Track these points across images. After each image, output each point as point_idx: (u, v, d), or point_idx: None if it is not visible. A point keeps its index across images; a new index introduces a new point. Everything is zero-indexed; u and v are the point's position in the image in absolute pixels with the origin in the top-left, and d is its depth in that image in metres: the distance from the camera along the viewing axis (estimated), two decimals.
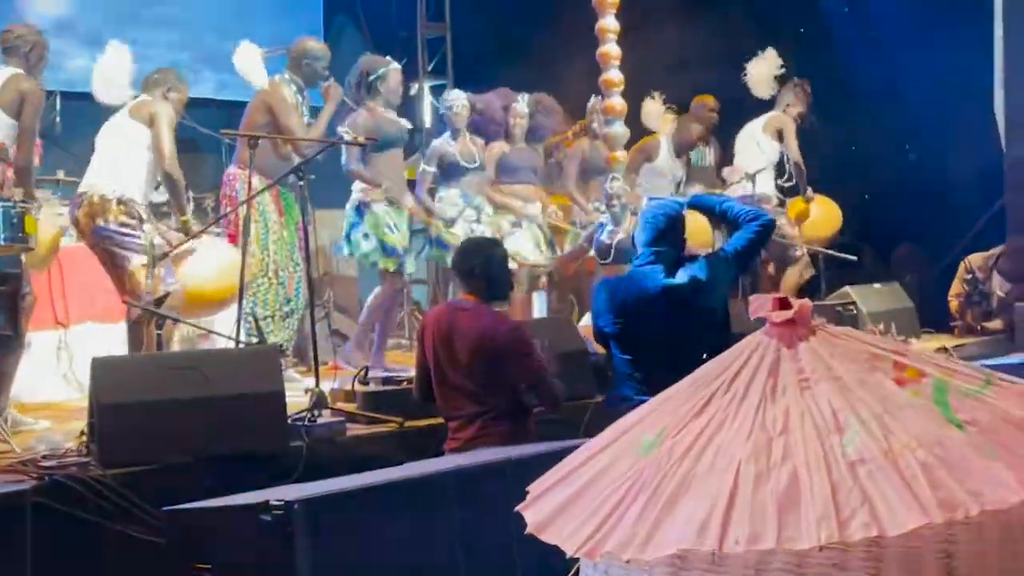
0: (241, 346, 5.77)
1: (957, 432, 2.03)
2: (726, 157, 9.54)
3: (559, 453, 2.56)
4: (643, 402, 4.47)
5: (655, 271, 4.99)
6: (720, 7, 10.64)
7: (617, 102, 7.89)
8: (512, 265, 7.09)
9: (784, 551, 1.94)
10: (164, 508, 4.00)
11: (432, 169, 7.87)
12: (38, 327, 6.28)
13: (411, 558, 3.69)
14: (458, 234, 7.61)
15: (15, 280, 5.66)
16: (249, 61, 7.26)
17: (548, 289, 8.81)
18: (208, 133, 7.68)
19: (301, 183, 6.37)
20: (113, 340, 6.61)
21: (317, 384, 5.55)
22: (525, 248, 7.98)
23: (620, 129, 7.98)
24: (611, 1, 7.85)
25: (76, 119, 7.44)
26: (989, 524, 1.99)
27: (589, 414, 5.87)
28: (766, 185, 8.93)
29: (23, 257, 5.72)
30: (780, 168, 9.09)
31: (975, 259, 9.43)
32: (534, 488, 2.36)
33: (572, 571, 2.39)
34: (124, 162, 6.26)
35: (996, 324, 9.11)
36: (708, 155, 9.65)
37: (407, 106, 8.81)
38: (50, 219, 6.47)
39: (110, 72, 6.43)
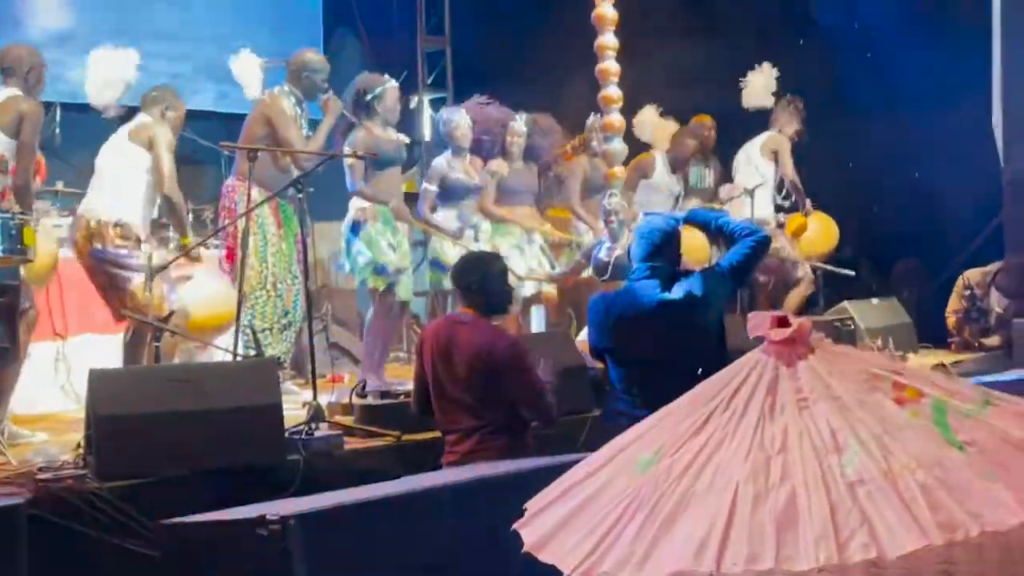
0: (239, 359, 5.76)
1: (957, 453, 2.03)
2: (726, 178, 9.53)
3: (557, 468, 2.56)
4: (639, 416, 4.46)
5: (651, 286, 4.98)
6: (718, 24, 10.66)
7: (616, 119, 7.89)
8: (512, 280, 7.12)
9: (783, 571, 1.93)
10: (161, 521, 3.98)
11: (434, 188, 7.83)
12: (36, 338, 6.27)
13: (408, 573, 3.68)
14: (455, 253, 7.59)
15: (13, 292, 5.66)
16: (247, 70, 7.26)
17: (546, 303, 8.79)
18: (207, 145, 7.68)
19: (300, 196, 6.37)
20: (111, 352, 6.61)
21: (315, 397, 5.54)
22: (522, 266, 7.96)
23: (619, 146, 7.98)
24: (610, 18, 7.86)
25: (75, 130, 7.45)
26: (989, 546, 1.99)
27: (587, 428, 5.86)
28: (764, 207, 8.92)
29: (23, 272, 5.71)
30: (779, 187, 9.10)
31: (973, 275, 9.43)
32: (531, 505, 2.35)
33: None
34: (123, 184, 6.27)
35: (994, 340, 9.11)
36: (708, 176, 9.61)
37: (406, 120, 8.80)
38: (49, 233, 6.47)
39: (104, 72, 6.45)
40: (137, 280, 6.12)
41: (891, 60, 10.35)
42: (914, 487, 1.96)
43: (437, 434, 5.17)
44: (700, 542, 1.97)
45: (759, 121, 9.44)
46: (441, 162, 7.92)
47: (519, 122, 8.38)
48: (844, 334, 8.26)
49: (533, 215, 8.46)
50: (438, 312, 8.62)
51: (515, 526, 2.32)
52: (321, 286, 9.39)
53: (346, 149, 7.07)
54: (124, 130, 6.45)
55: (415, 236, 7.82)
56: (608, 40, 7.87)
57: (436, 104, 11.58)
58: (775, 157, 9.11)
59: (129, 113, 6.65)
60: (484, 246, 7.82)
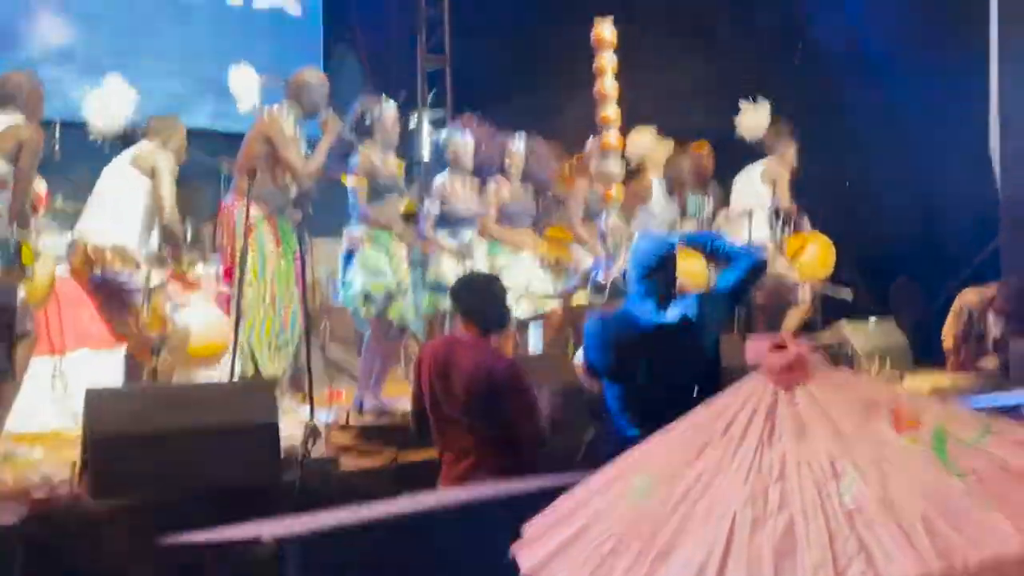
0: (236, 378, 5.76)
1: (955, 481, 2.03)
2: (724, 204, 9.51)
3: (554, 489, 2.55)
4: (635, 438, 4.47)
5: (646, 308, 4.97)
6: (717, 45, 10.69)
7: (613, 139, 7.91)
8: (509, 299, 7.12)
9: None
10: (157, 541, 3.97)
11: (436, 211, 7.83)
12: (33, 353, 6.26)
13: None
14: (454, 275, 7.59)
15: (10, 312, 5.65)
16: (243, 84, 7.26)
17: (546, 322, 8.78)
18: (206, 161, 7.68)
19: (300, 215, 6.37)
20: (108, 367, 6.61)
21: (312, 416, 5.53)
22: (521, 285, 7.95)
23: (615, 166, 7.99)
24: (609, 39, 7.89)
25: (75, 148, 7.44)
26: (987, 574, 1.98)
27: (583, 449, 5.85)
28: (761, 229, 8.92)
29: (23, 293, 5.71)
30: (776, 212, 9.10)
31: (971, 296, 9.43)
32: (529, 528, 2.35)
33: None
34: (122, 209, 6.29)
35: (991, 362, 9.10)
36: (706, 205, 9.59)
37: (406, 140, 8.80)
38: (47, 254, 6.46)
39: (106, 104, 6.46)
40: (136, 302, 6.13)
41: (889, 83, 10.36)
42: (912, 515, 1.96)
43: (434, 454, 5.16)
44: (699, 567, 1.97)
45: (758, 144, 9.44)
46: (443, 184, 7.90)
47: (518, 142, 8.39)
48: (841, 354, 8.27)
49: (531, 236, 8.46)
50: (436, 332, 8.62)
51: (512, 549, 2.31)
52: (319, 304, 9.38)
53: (349, 178, 7.07)
54: (127, 155, 6.47)
55: (413, 257, 7.79)
56: (607, 60, 7.90)
57: (436, 124, 11.58)
58: (774, 184, 9.11)
59: (129, 133, 6.65)
60: (484, 266, 7.83)
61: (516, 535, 2.37)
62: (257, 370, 6.73)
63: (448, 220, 7.84)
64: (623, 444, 4.83)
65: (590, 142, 8.67)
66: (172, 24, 10.96)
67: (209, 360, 6.73)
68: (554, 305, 8.32)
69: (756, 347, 2.26)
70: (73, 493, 4.64)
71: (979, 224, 9.97)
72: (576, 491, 2.36)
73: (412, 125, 11.67)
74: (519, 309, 7.78)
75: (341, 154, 7.31)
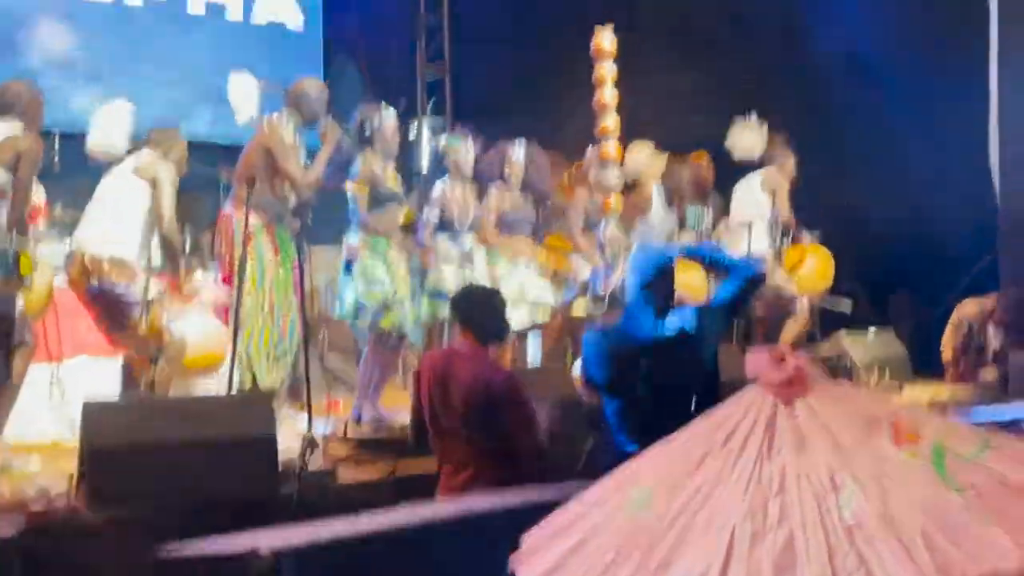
0: (234, 389, 5.75)
1: (955, 496, 2.03)
2: (724, 214, 9.50)
3: (552, 501, 2.55)
4: (633, 450, 4.46)
5: (644, 320, 4.97)
6: (715, 54, 10.69)
7: (612, 148, 7.91)
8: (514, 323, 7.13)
9: None
10: (154, 553, 3.97)
11: (435, 219, 7.83)
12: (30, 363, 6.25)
13: None
14: (454, 282, 7.58)
15: (8, 321, 5.65)
16: (243, 92, 7.26)
17: (544, 332, 8.78)
18: (205, 171, 7.68)
19: (299, 224, 6.37)
20: (106, 374, 6.60)
21: (310, 428, 5.52)
22: (519, 294, 7.94)
23: (614, 175, 7.99)
24: (609, 49, 7.90)
25: (75, 157, 7.44)
26: None
27: (582, 462, 5.84)
28: (761, 240, 8.91)
29: (22, 304, 5.71)
30: (775, 223, 9.09)
31: (970, 308, 9.42)
32: (528, 540, 2.35)
33: None
34: (121, 218, 6.28)
35: (990, 374, 9.09)
36: (706, 216, 9.57)
37: (405, 150, 8.80)
38: (45, 263, 6.46)
39: (107, 129, 6.48)
40: (134, 313, 6.13)
41: (888, 93, 10.36)
42: (912, 530, 1.95)
43: (432, 465, 5.16)
44: None
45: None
46: (443, 191, 7.89)
47: (518, 152, 8.37)
48: (840, 366, 8.26)
49: (529, 244, 8.44)
50: (435, 342, 8.61)
51: (511, 562, 2.31)
52: (317, 313, 9.37)
53: (349, 184, 7.06)
54: (128, 165, 6.46)
55: (412, 265, 7.78)
56: (606, 70, 7.91)
57: (436, 133, 11.58)
58: (774, 194, 9.10)
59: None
60: (483, 274, 7.82)
61: (515, 547, 2.37)
62: (255, 380, 6.72)
63: (447, 227, 7.83)
64: (622, 456, 4.82)
65: (589, 151, 8.68)
66: (172, 36, 10.96)
67: (206, 371, 6.72)
68: (551, 315, 8.31)
69: (756, 360, 2.26)
70: (70, 505, 4.63)
71: (978, 234, 9.96)
72: (575, 503, 2.35)
73: (412, 134, 11.66)
74: (517, 318, 7.75)
75: (341, 164, 7.31)
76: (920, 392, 8.39)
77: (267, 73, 9.93)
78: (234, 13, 11.48)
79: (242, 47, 11.26)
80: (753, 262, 5.67)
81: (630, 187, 8.96)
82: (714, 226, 9.40)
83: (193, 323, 6.50)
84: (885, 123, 10.26)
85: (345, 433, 5.82)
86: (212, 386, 6.73)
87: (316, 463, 5.31)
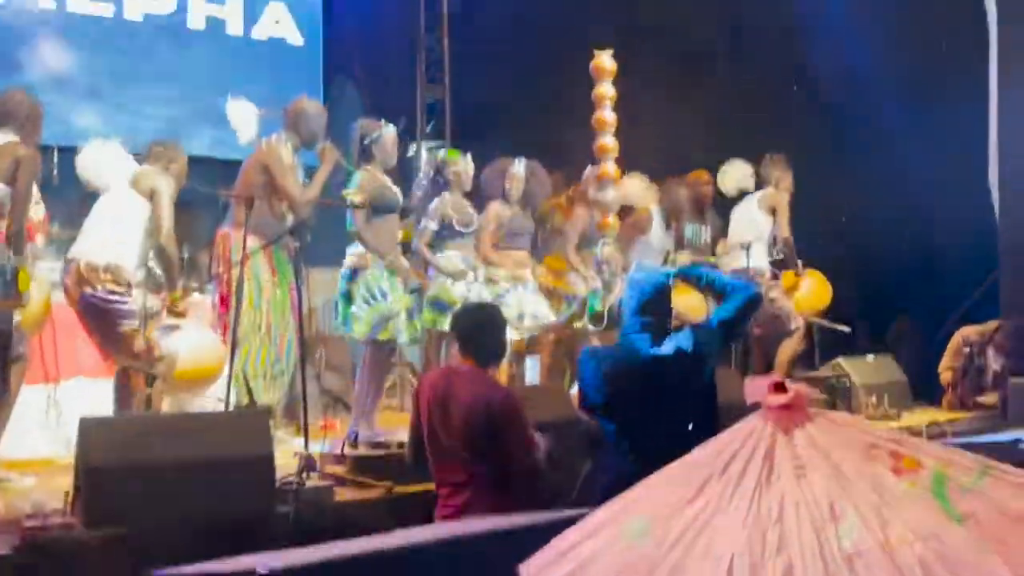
0: (231, 408, 5.74)
1: (955, 526, 2.01)
2: (723, 233, 9.50)
3: (551, 525, 2.53)
4: (630, 471, 4.44)
5: (641, 341, 4.96)
6: (715, 75, 10.72)
7: (611, 168, 7.92)
8: (514, 335, 7.12)
9: None
10: (149, 572, 3.94)
11: (434, 227, 7.82)
12: (27, 382, 6.24)
13: None
14: (456, 295, 7.57)
15: (5, 337, 5.64)
16: (242, 116, 7.27)
17: (540, 350, 8.77)
18: (204, 190, 7.67)
19: (297, 244, 6.36)
20: (103, 395, 6.58)
21: (306, 447, 5.51)
22: (516, 311, 7.93)
23: (612, 194, 8.00)
24: (608, 69, 7.92)
25: (73, 173, 7.44)
26: None
27: (579, 483, 5.82)
28: (760, 258, 8.92)
29: (18, 317, 5.70)
30: (773, 241, 9.10)
31: (970, 333, 9.43)
32: (526, 568, 2.33)
33: None
34: (119, 229, 6.27)
35: (990, 398, 9.10)
36: (703, 232, 9.58)
37: (404, 169, 8.81)
38: (43, 278, 6.46)
39: (98, 165, 6.50)
40: (127, 325, 6.11)
41: (888, 116, 10.38)
42: (911, 560, 1.94)
43: (429, 486, 5.14)
44: None
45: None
46: (442, 201, 7.88)
47: (518, 167, 8.38)
48: (839, 391, 8.25)
49: (528, 260, 8.43)
50: (432, 359, 8.60)
51: None
52: (314, 333, 9.37)
53: (350, 189, 7.06)
54: (127, 179, 6.46)
55: (411, 284, 7.77)
56: (605, 90, 7.93)
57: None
58: (773, 212, 9.11)
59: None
60: (484, 287, 7.82)
61: (513, 572, 2.35)
62: (252, 399, 6.70)
63: (448, 236, 7.82)
64: (620, 478, 4.82)
65: (588, 171, 8.69)
66: (172, 51, 10.99)
67: (202, 384, 6.69)
68: (548, 331, 8.30)
69: (755, 387, 2.25)
70: (65, 522, 4.60)
71: (977, 258, 9.97)
72: (573, 530, 2.34)
73: (410, 154, 11.68)
74: (514, 332, 7.74)
75: (339, 183, 7.32)
76: (919, 418, 8.39)
77: (267, 89, 10.00)
78: (234, 27, 11.50)
79: (242, 62, 11.30)
80: (750, 283, 5.66)
81: (628, 208, 8.98)
82: (713, 244, 9.41)
83: (185, 338, 6.48)
84: (885, 148, 10.28)
85: (342, 452, 5.80)
86: (208, 403, 6.72)
87: (313, 482, 5.28)
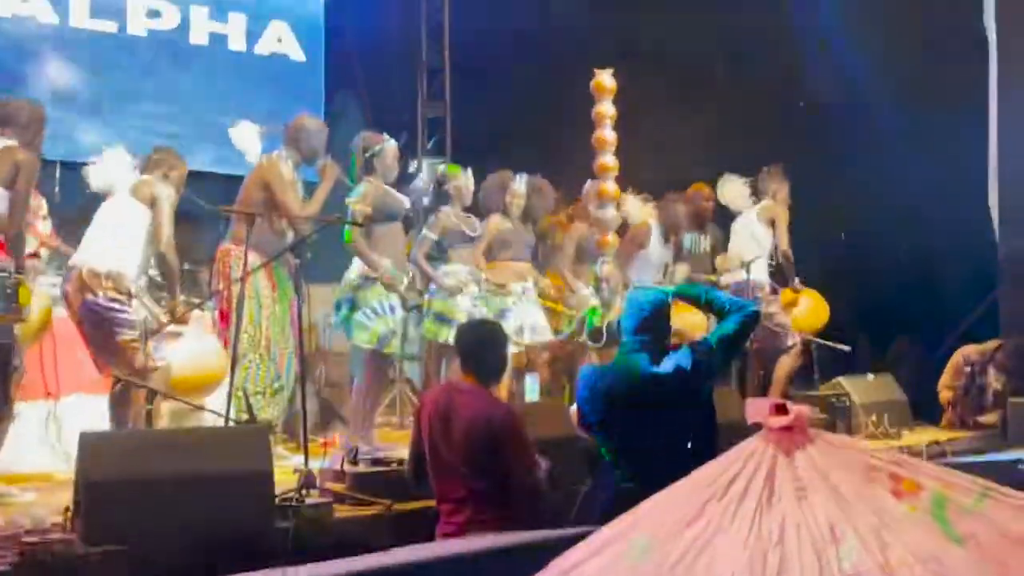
0: (230, 423, 5.74)
1: (955, 548, 2.02)
2: (723, 245, 9.50)
3: (553, 543, 2.54)
4: (628, 489, 4.44)
5: (640, 359, 4.97)
6: (714, 95, 10.74)
7: (610, 186, 7.94)
8: (513, 349, 7.12)
9: None
10: None
11: (434, 237, 7.82)
12: (27, 397, 6.25)
13: None
14: (459, 309, 7.57)
15: (5, 351, 5.64)
16: (246, 137, 7.29)
17: (539, 367, 8.77)
18: (207, 207, 7.68)
19: (297, 261, 6.37)
20: (103, 411, 6.57)
21: (306, 463, 5.51)
22: (517, 324, 7.93)
23: (612, 213, 8.02)
24: (609, 88, 7.94)
25: (75, 189, 7.46)
26: None
27: (579, 501, 5.82)
28: (760, 272, 8.93)
29: (17, 330, 5.70)
30: (772, 255, 9.11)
31: (971, 352, 9.43)
32: None
33: None
34: (120, 237, 6.27)
35: (990, 418, 9.10)
36: (703, 242, 9.60)
37: (404, 184, 8.82)
38: (43, 290, 6.47)
39: (107, 172, 6.51)
40: (125, 335, 6.11)
41: (888, 135, 10.40)
42: None
43: (429, 503, 5.14)
44: None
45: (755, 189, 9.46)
46: (445, 212, 7.88)
47: (519, 182, 8.39)
48: (839, 410, 8.25)
49: (530, 271, 8.42)
50: (432, 375, 8.60)
51: None
52: (314, 349, 9.37)
53: (353, 198, 7.08)
54: (127, 188, 6.46)
55: (410, 302, 7.77)
56: (606, 109, 7.96)
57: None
58: (773, 224, 9.12)
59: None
60: (487, 299, 7.83)
61: None
62: (252, 415, 6.70)
63: (448, 248, 7.82)
64: (618, 496, 4.84)
65: (588, 185, 8.70)
66: (174, 67, 11.01)
67: (204, 390, 6.67)
68: (547, 343, 8.30)
69: (757, 408, 2.25)
70: (65, 538, 4.60)
71: (977, 277, 9.99)
72: (577, 548, 2.34)
73: (411, 170, 11.70)
74: (513, 346, 7.73)
75: (339, 199, 7.33)
76: (919, 437, 8.38)
77: (268, 105, 10.03)
78: (237, 44, 11.53)
79: (244, 78, 11.32)
80: (749, 301, 5.67)
81: (626, 223, 9.00)
82: (712, 254, 9.42)
83: (187, 344, 6.47)
84: (884, 166, 10.30)
85: (342, 469, 5.79)
86: (209, 420, 6.71)
87: (313, 499, 5.28)
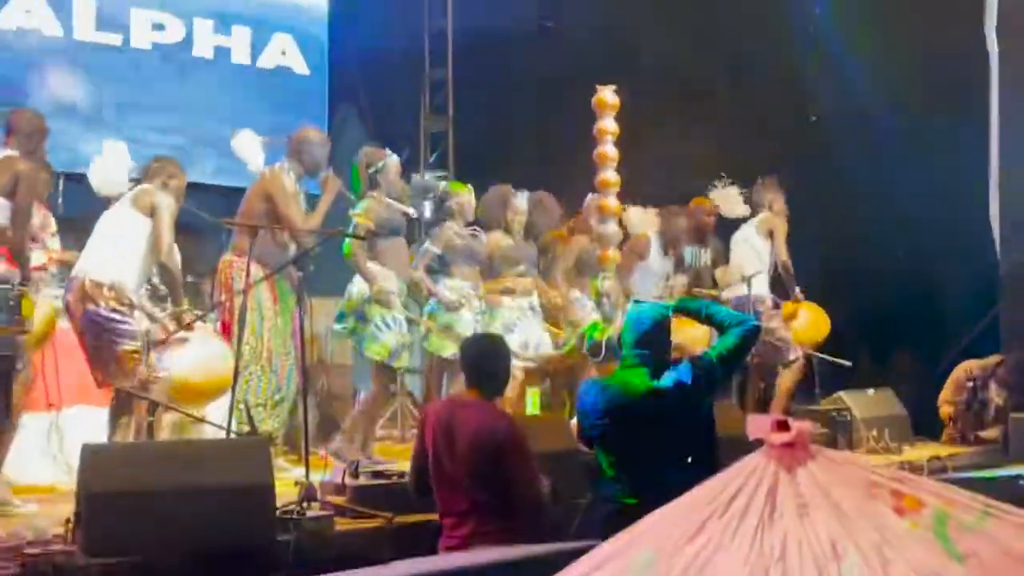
0: (232, 436, 5.74)
1: (956, 565, 2.02)
2: (724, 258, 9.51)
3: (555, 556, 2.54)
4: (628, 504, 4.44)
5: (640, 374, 4.98)
6: (716, 110, 10.76)
7: (612, 202, 7.96)
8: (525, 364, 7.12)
9: None
10: None
11: (436, 250, 7.83)
12: (30, 408, 6.24)
13: None
14: (464, 324, 7.58)
15: (7, 361, 5.64)
16: (248, 147, 7.31)
17: (542, 383, 8.77)
18: (209, 220, 7.70)
19: (300, 273, 6.38)
20: (104, 423, 6.57)
21: (307, 476, 5.51)
22: (522, 340, 7.93)
23: (613, 228, 8.03)
24: (611, 104, 7.96)
25: (77, 200, 7.48)
26: None
27: (579, 515, 5.82)
28: (761, 287, 8.93)
29: (21, 337, 5.71)
30: (773, 267, 9.11)
31: (973, 367, 9.43)
32: None
33: None
34: (120, 248, 6.27)
35: (992, 433, 9.09)
36: (703, 255, 9.60)
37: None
38: (47, 299, 6.47)
39: (107, 170, 6.49)
40: (126, 345, 6.12)
41: (890, 150, 10.42)
42: None
43: (430, 516, 5.13)
44: None
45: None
46: (449, 228, 7.89)
47: (520, 199, 8.39)
48: (840, 424, 8.25)
49: (534, 286, 8.42)
50: (433, 388, 8.61)
51: None
52: (316, 361, 9.38)
53: (357, 211, 7.09)
54: (127, 197, 6.47)
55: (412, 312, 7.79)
56: (608, 125, 7.97)
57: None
58: (772, 236, 9.12)
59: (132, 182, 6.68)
60: (492, 314, 7.83)
61: None
62: (253, 427, 6.71)
63: (458, 261, 7.82)
64: (618, 510, 4.84)
65: (589, 199, 8.71)
66: (178, 80, 11.04)
67: (211, 395, 6.65)
68: (548, 356, 8.30)
69: (758, 424, 2.26)
70: (66, 549, 4.60)
71: (978, 293, 9.99)
72: (580, 562, 2.34)
73: (414, 182, 11.72)
74: (517, 361, 7.73)
75: (341, 212, 7.35)
76: (920, 452, 8.38)
77: (272, 117, 10.05)
78: (241, 56, 11.56)
79: (248, 91, 11.34)
80: (749, 316, 5.68)
81: (626, 234, 9.01)
82: (713, 266, 9.42)
83: (193, 351, 6.45)
84: (886, 180, 10.31)
85: (343, 482, 5.79)
86: (210, 431, 6.70)
87: (314, 511, 5.28)
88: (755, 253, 9.10)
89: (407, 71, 12.71)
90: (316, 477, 5.66)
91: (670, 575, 2.11)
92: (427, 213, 10.59)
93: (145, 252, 6.33)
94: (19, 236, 5.85)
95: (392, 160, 7.45)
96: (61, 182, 8.29)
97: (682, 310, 5.41)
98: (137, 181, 6.61)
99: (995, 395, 9.24)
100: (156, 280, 6.84)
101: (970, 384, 9.33)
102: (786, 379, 8.97)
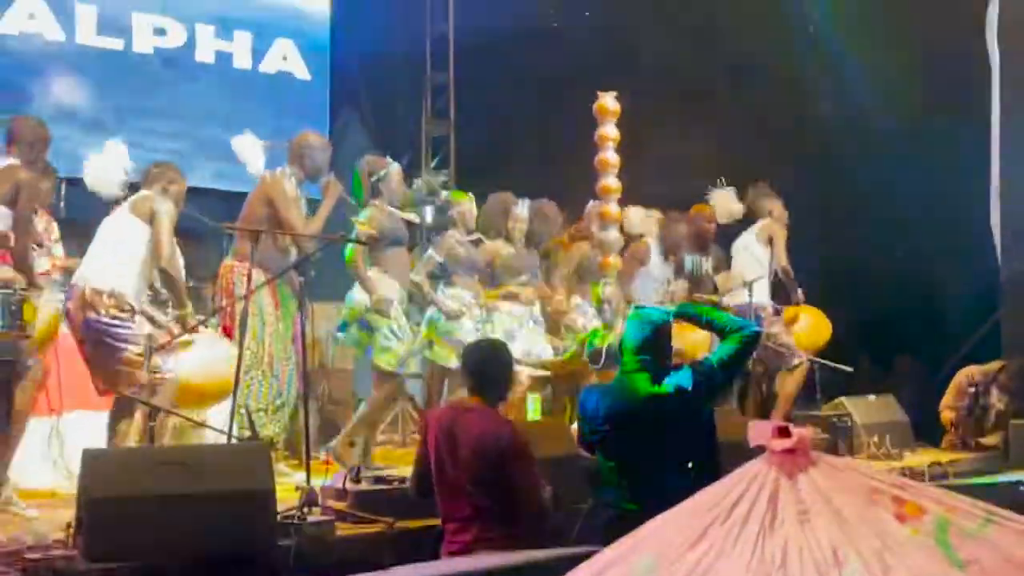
0: (233, 441, 5.74)
1: (958, 572, 2.02)
2: (725, 265, 9.50)
3: (557, 562, 2.54)
4: (629, 509, 4.45)
5: (641, 379, 4.99)
6: (716, 111, 10.76)
7: (613, 209, 7.96)
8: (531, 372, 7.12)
9: None
10: None
11: (439, 258, 7.83)
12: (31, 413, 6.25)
13: None
14: (467, 333, 7.57)
15: (7, 367, 5.64)
16: (249, 149, 7.31)
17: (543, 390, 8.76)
18: (210, 224, 7.70)
19: (301, 278, 6.37)
20: (105, 428, 6.57)
21: (308, 481, 5.51)
22: (524, 348, 7.93)
23: (614, 235, 8.03)
24: (612, 110, 7.96)
25: (79, 205, 7.48)
26: None
27: (580, 521, 5.81)
28: (762, 294, 8.92)
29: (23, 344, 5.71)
30: (773, 273, 9.10)
31: (975, 372, 9.42)
32: None
33: None
34: (120, 255, 6.26)
35: (992, 439, 9.08)
36: (704, 263, 9.57)
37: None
38: (50, 303, 6.46)
39: (104, 169, 6.49)
40: (128, 352, 6.11)
41: (890, 155, 10.42)
42: None
43: (431, 521, 5.13)
44: None
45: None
46: (451, 238, 7.90)
47: (521, 207, 8.39)
48: (841, 430, 8.24)
49: (536, 294, 8.42)
50: (434, 394, 8.60)
51: None
52: (318, 366, 9.37)
53: (360, 219, 7.10)
54: (127, 203, 6.47)
55: (412, 320, 7.79)
56: (608, 131, 7.98)
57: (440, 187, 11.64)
58: (771, 242, 9.11)
59: (131, 188, 6.67)
60: (494, 322, 7.83)
61: None
62: (254, 432, 6.71)
63: (452, 272, 7.83)
64: (619, 515, 4.84)
65: (590, 206, 8.71)
66: (179, 84, 11.04)
67: (217, 397, 6.64)
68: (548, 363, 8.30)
69: (759, 430, 2.26)
70: (67, 554, 4.60)
71: (979, 298, 9.99)
72: (582, 568, 2.35)
73: (415, 187, 11.72)
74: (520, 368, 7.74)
75: (342, 217, 7.35)
76: (921, 458, 8.37)
77: (273, 122, 10.05)
78: (242, 61, 11.57)
79: (249, 96, 11.35)
80: (750, 322, 5.68)
81: (627, 238, 9.01)
82: (713, 275, 9.40)
83: (200, 351, 6.44)
84: (886, 189, 10.32)
85: (344, 487, 5.79)
86: (211, 437, 6.70)
87: (315, 516, 5.28)
88: (756, 261, 9.09)
89: (408, 75, 12.72)
90: (317, 482, 5.65)
91: None
92: (428, 218, 10.63)
93: (145, 258, 6.32)
94: (21, 244, 5.85)
95: (394, 168, 7.46)
96: (63, 187, 8.29)
97: (683, 316, 5.42)
98: (136, 187, 6.61)
99: (996, 401, 9.23)
100: (158, 285, 6.83)
101: (971, 390, 9.31)
102: (788, 385, 8.96)
